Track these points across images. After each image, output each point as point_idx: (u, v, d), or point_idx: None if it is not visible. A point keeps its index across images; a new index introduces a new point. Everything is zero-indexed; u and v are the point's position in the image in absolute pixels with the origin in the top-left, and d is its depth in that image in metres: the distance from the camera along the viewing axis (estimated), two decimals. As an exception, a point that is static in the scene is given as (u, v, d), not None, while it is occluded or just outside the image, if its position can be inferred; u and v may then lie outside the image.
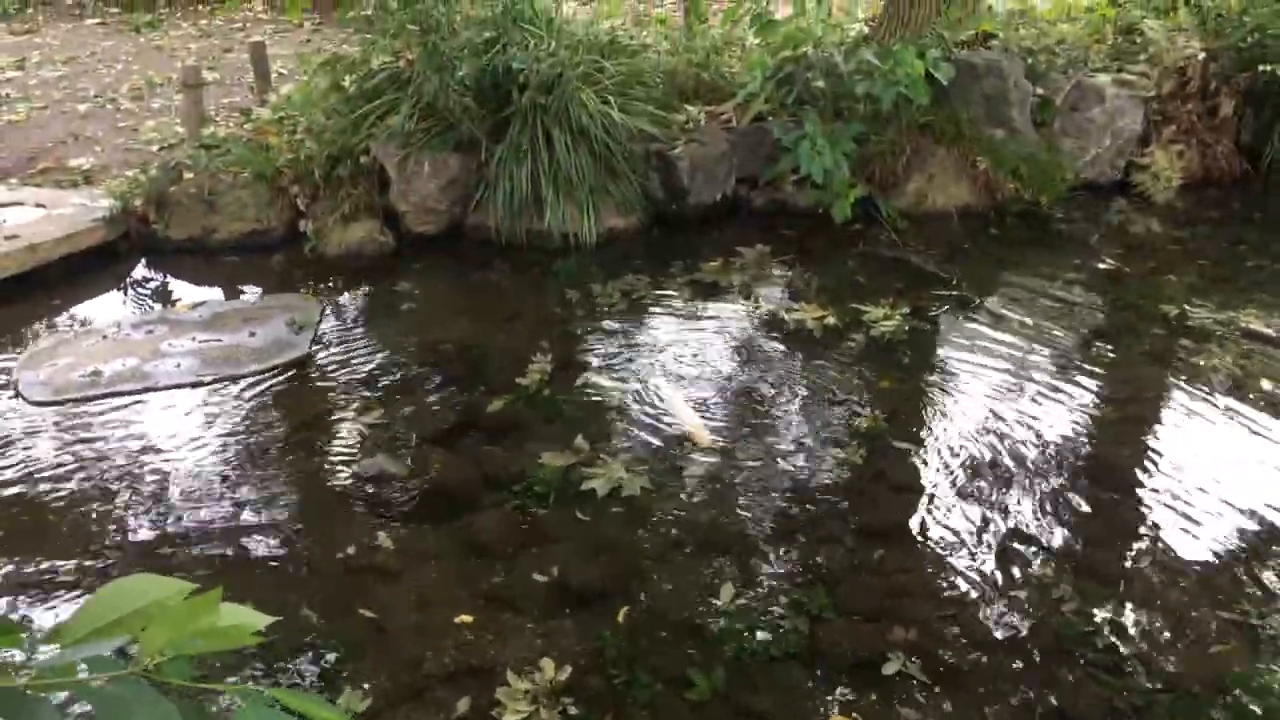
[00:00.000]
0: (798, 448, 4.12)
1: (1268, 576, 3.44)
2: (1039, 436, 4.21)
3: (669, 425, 4.24)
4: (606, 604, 3.28)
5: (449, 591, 3.36)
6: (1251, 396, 4.52)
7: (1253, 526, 3.68)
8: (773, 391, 4.54)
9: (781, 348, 4.92)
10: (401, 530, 3.64)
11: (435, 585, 3.38)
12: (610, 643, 3.12)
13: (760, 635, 3.15)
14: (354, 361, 4.80)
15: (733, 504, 3.77)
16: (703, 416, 4.30)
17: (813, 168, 5.93)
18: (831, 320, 5.15)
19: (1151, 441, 4.25)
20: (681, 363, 4.76)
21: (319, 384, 4.62)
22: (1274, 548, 3.58)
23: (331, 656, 3.10)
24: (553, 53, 5.95)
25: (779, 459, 4.03)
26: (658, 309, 5.34)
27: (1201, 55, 7.02)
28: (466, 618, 3.23)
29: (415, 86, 5.95)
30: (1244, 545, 3.59)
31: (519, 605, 3.27)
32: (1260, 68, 6.91)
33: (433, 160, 5.93)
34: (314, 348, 4.90)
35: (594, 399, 4.45)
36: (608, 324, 5.18)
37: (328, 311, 5.30)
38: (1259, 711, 2.89)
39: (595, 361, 4.81)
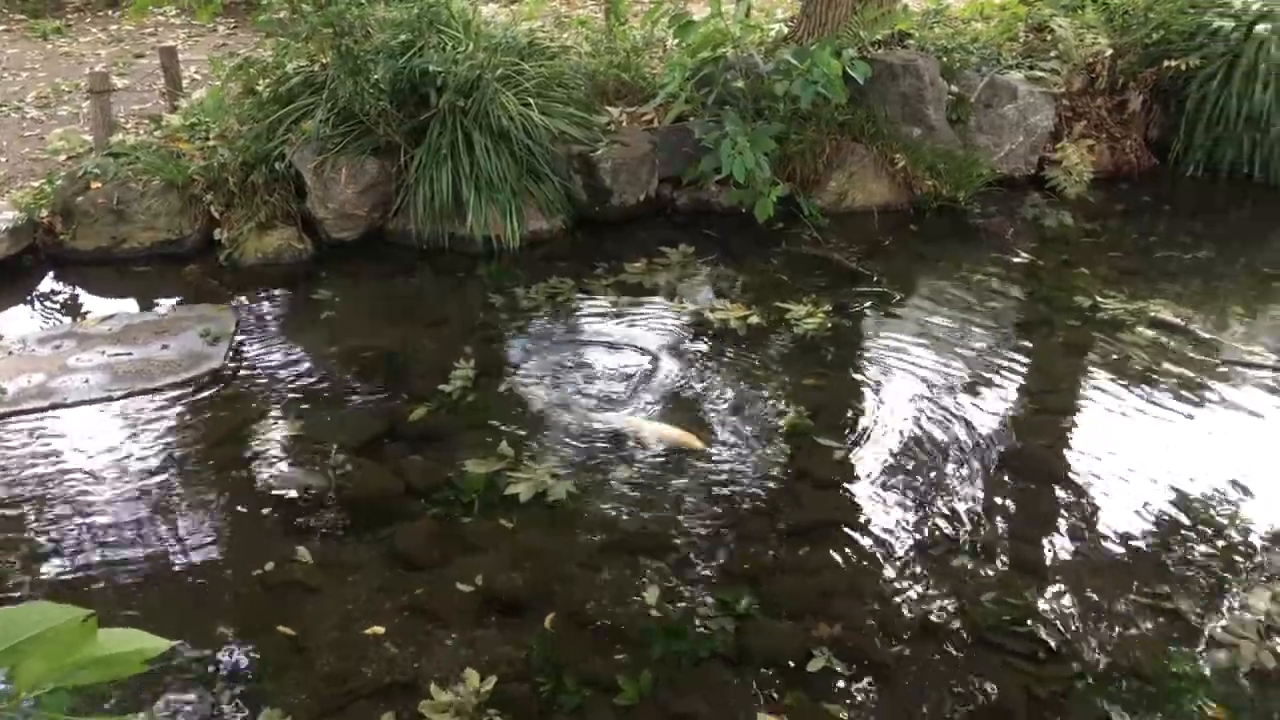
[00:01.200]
0: (723, 447, 4.13)
1: (1183, 560, 3.53)
2: (960, 430, 4.27)
3: (597, 429, 4.22)
4: (532, 611, 3.25)
5: (371, 604, 3.30)
6: (1163, 385, 4.64)
7: (1168, 511, 3.77)
8: (698, 392, 4.54)
9: (706, 348, 4.93)
10: (322, 543, 3.57)
11: (357, 598, 3.32)
12: (536, 650, 3.09)
13: (687, 637, 3.15)
14: (272, 372, 4.71)
15: (659, 506, 3.76)
16: (629, 416, 4.29)
17: (734, 167, 5.96)
18: (755, 319, 5.17)
19: (1069, 431, 4.34)
20: (606, 365, 4.74)
21: (235, 396, 4.52)
22: (1188, 532, 3.67)
23: (250, 676, 3.02)
24: (470, 55, 5.89)
25: (705, 459, 4.03)
26: (583, 311, 5.31)
27: (1109, 52, 7.19)
28: (389, 630, 3.17)
29: (330, 91, 5.85)
30: (1160, 530, 3.68)
31: (443, 616, 3.23)
32: (1165, 63, 7.09)
33: (350, 165, 5.83)
34: (230, 359, 4.78)
35: (518, 404, 4.41)
36: (532, 328, 5.15)
37: (244, 322, 5.18)
38: (1175, 691, 2.96)
39: (520, 366, 4.77)
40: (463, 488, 3.82)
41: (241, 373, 4.70)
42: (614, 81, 6.82)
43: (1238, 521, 3.72)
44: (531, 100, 5.98)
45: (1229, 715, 2.86)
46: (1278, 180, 6.92)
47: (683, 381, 4.63)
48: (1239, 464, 4.04)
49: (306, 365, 4.76)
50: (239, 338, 5.00)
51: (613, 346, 4.93)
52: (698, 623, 3.20)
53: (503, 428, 4.20)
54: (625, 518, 3.70)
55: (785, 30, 7.57)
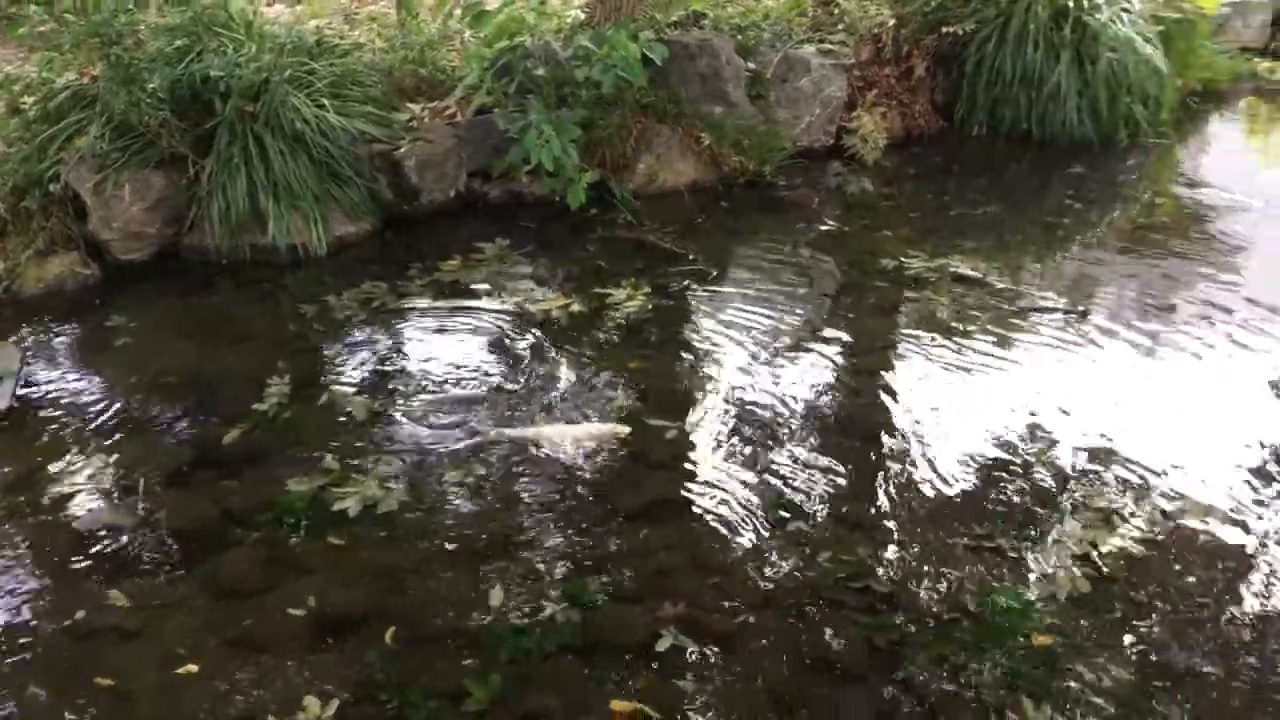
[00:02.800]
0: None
1: (1001, 499, 3.71)
2: (786, 397, 4.36)
3: (425, 434, 4.11)
4: (371, 628, 3.14)
5: (197, 641, 3.11)
6: (969, 335, 4.87)
7: (984, 454, 3.96)
8: (526, 385, 4.48)
9: (531, 340, 4.87)
10: (136, 584, 3.34)
11: (180, 637, 3.12)
12: (378, 668, 2.98)
13: (533, 633, 3.10)
14: (66, 408, 4.37)
15: (495, 505, 3.69)
16: (459, 418, 4.20)
17: (542, 156, 5.90)
18: (577, 307, 5.14)
19: (888, 388, 4.49)
20: (428, 367, 4.62)
21: (27, 437, 4.17)
22: (1003, 471, 3.86)
23: (66, 736, 2.80)
24: (255, 57, 5.62)
25: (538, 453, 3.98)
26: (400, 314, 5.16)
27: (892, 22, 7.49)
28: (218, 667, 3.00)
29: (103, 104, 5.48)
30: (978, 473, 3.86)
31: (275, 644, 3.07)
32: (944, 29, 7.43)
33: (134, 181, 5.48)
34: (17, 399, 4.42)
35: (340, 416, 4.25)
36: (348, 336, 4.96)
37: (30, 357, 4.79)
38: (1004, 627, 3.10)
39: (338, 376, 4.59)
40: (286, 508, 3.64)
41: (32, 412, 4.34)
42: (411, 77, 6.65)
43: (1047, 456, 3.94)
44: (326, 101, 5.76)
45: (1053, 641, 3.03)
46: (1053, 135, 7.35)
47: (509, 376, 4.56)
48: (1042, 402, 4.28)
49: (105, 397, 4.45)
50: (26, 375, 4.62)
51: (433, 347, 4.81)
52: (544, 618, 3.16)
53: (325, 442, 4.04)
54: (462, 521, 3.61)
55: (582, 16, 7.56)
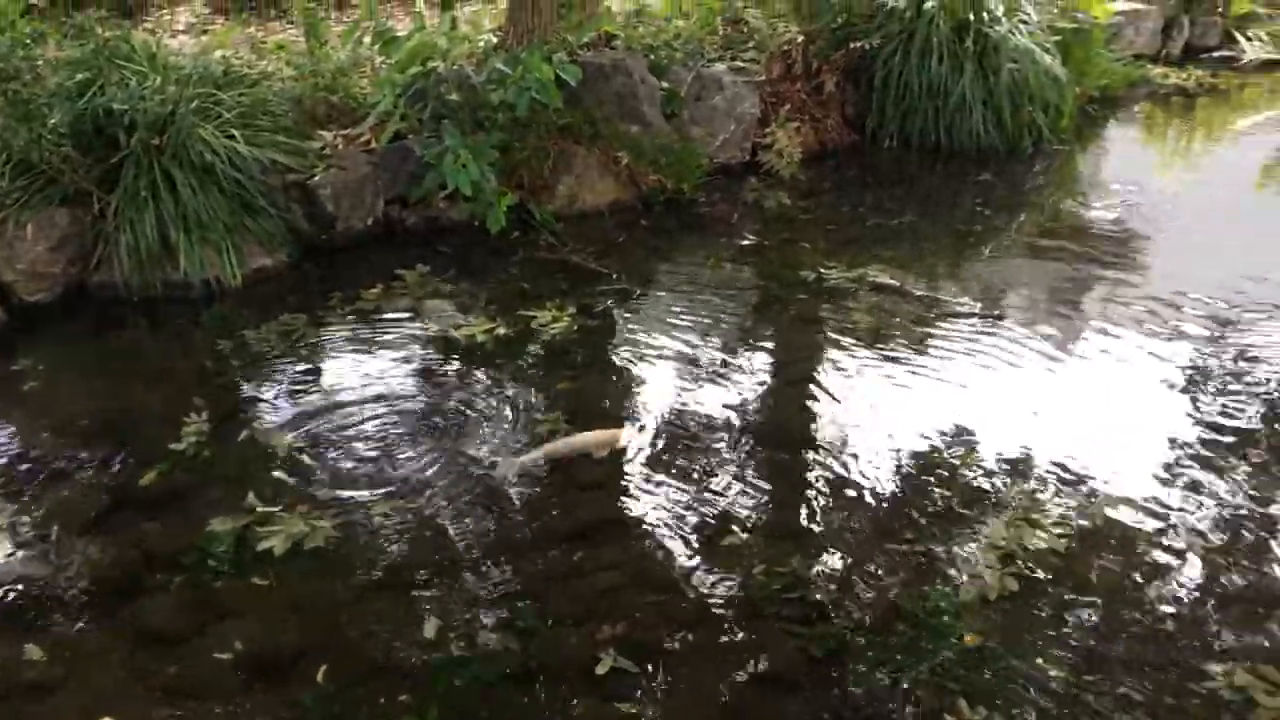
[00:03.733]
0: (488, 463, 4.05)
1: (928, 503, 3.77)
2: (714, 412, 4.38)
3: (350, 466, 4.04)
4: (301, 668, 3.06)
5: (121, 691, 3.01)
6: (889, 342, 4.95)
7: (909, 459, 4.02)
8: (454, 411, 4.44)
9: (457, 366, 4.82)
10: (55, 636, 3.22)
11: (104, 689, 3.02)
12: (311, 708, 2.91)
13: (471, 663, 3.06)
14: (-28, 457, 4.21)
15: (426, 534, 3.64)
16: (385, 448, 4.14)
17: (459, 181, 5.87)
18: (502, 331, 5.11)
19: (813, 398, 4.54)
20: (351, 397, 4.55)
21: (-70, 490, 4.01)
22: (928, 476, 3.93)
23: (-17, 801, 2.69)
24: (159, 89, 5.50)
25: (469, 478, 3.94)
26: (321, 345, 5.07)
27: (800, 39, 7.62)
28: (144, 716, 2.90)
29: (2, 142, 5.30)
30: (906, 480, 3.92)
31: (203, 690, 2.98)
32: (851, 44, 7.59)
33: (37, 220, 5.31)
34: (-82, 450, 4.24)
35: (262, 452, 4.15)
36: (268, 369, 4.86)
37: (-68, 406, 4.62)
38: (937, 629, 3.14)
39: (259, 411, 4.49)
40: (209, 549, 3.55)
41: (-66, 463, 4.18)
42: (323, 104, 6.56)
43: (969, 459, 4.01)
44: (236, 131, 5.66)
45: (985, 640, 3.08)
46: (961, 144, 7.54)
47: (434, 403, 4.51)
48: (963, 405, 4.37)
49: (13, 444, 4.29)
50: (-73, 424, 4.44)
51: (356, 377, 4.74)
52: (481, 647, 3.12)
53: (248, 479, 3.94)
54: (393, 553, 3.55)
55: (495, 40, 7.56)
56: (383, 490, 3.87)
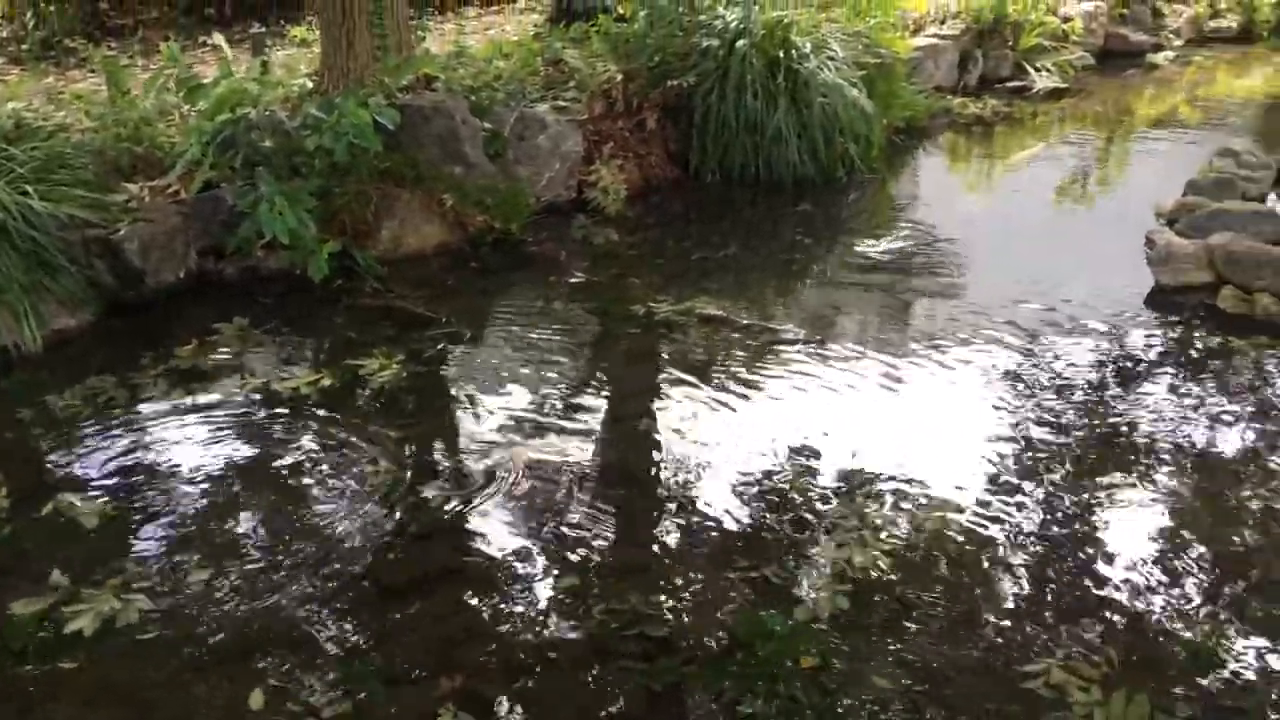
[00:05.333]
0: (318, 520, 3.90)
1: (764, 531, 3.84)
2: (551, 453, 4.36)
3: (164, 535, 3.83)
4: (118, 755, 2.87)
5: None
6: (720, 372, 5.04)
7: (745, 488, 4.10)
8: (279, 469, 4.27)
9: (282, 421, 4.65)
10: None
11: (-112, 802, 2.75)
12: (129, 798, 2.73)
13: (303, 733, 2.93)
14: None
15: (249, 601, 3.47)
16: (201, 512, 3.94)
17: (276, 229, 5.69)
18: (328, 381, 4.96)
19: (649, 433, 4.57)
20: (165, 460, 4.32)
21: None
22: (761, 502, 4.01)
23: None
24: (-58, 145, 5.16)
25: (298, 537, 3.79)
26: (132, 408, 4.80)
27: (620, 77, 7.73)
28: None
29: None
30: (741, 508, 3.98)
31: (6, 792, 2.76)
32: (669, 82, 7.76)
33: None
34: None
35: (68, 525, 3.89)
36: (74, 437, 4.56)
37: None
38: (773, 654, 3.19)
39: (65, 482, 4.21)
40: (11, 634, 3.29)
41: None
42: (127, 156, 6.25)
43: (803, 483, 4.11)
44: (29, 187, 5.34)
45: (820, 661, 3.14)
46: (780, 176, 7.78)
47: (259, 461, 4.33)
48: (795, 430, 4.48)
49: None
50: None
51: (171, 439, 4.51)
52: (314, 711, 2.99)
53: (53, 555, 3.68)
54: (213, 624, 3.37)
55: (310, 84, 7.40)
56: (202, 557, 3.68)
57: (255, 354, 5.33)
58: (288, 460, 4.33)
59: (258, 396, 4.88)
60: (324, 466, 4.29)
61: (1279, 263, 5.51)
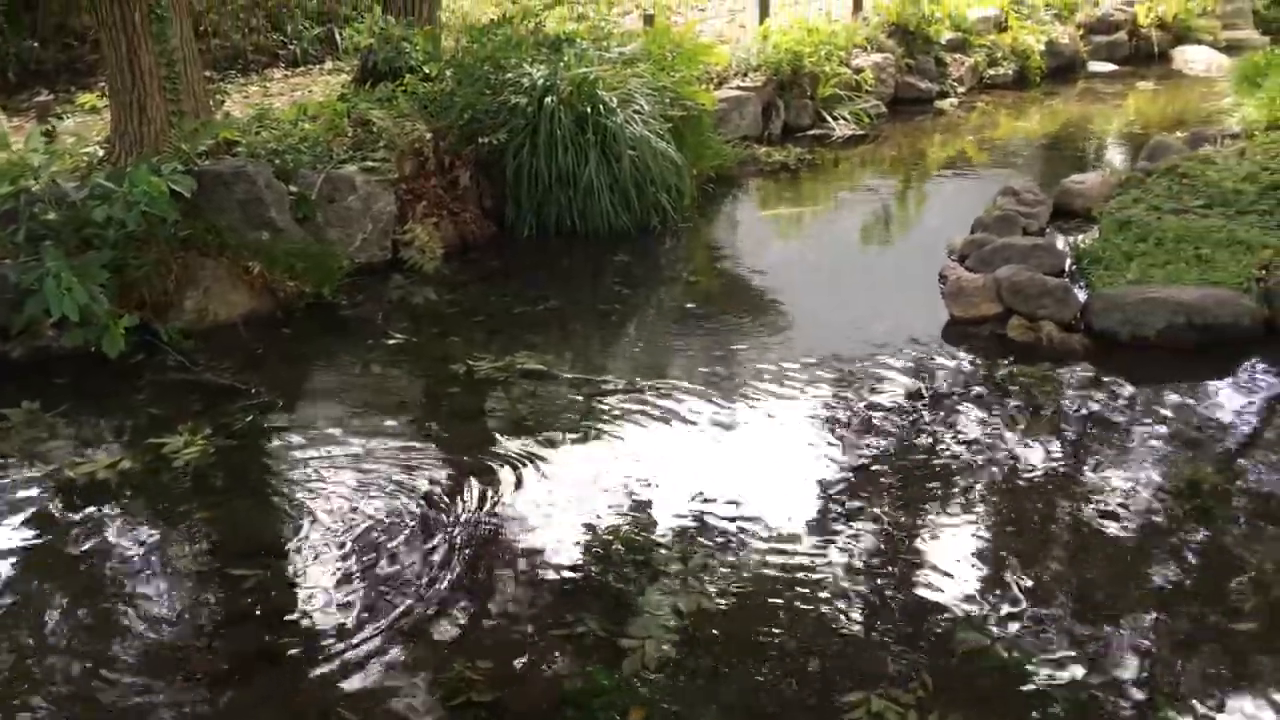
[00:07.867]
0: (128, 606, 3.67)
1: (590, 584, 3.84)
2: (371, 523, 4.25)
3: None
4: None
5: None
6: (546, 429, 5.01)
7: (572, 543, 4.09)
8: (73, 561, 4.00)
9: (80, 510, 4.37)
10: None
11: None
12: None
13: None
14: None
15: (54, 701, 3.23)
16: (4, 616, 3.66)
17: (65, 306, 5.37)
18: (128, 464, 4.70)
19: (477, 495, 4.48)
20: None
21: None
22: (589, 557, 4.00)
23: None
24: None
25: (99, 637, 3.55)
26: (-95, 508, 4.43)
27: (429, 136, 7.70)
28: None
29: None
30: (567, 564, 3.97)
31: None
32: (480, 140, 7.77)
33: None
34: None
35: None
36: None
37: None
38: (601, 707, 3.17)
39: None
40: None
41: None
42: (-107, 235, 5.82)
43: (626, 533, 4.13)
44: None
45: (647, 712, 3.14)
46: (595, 228, 7.87)
47: (51, 557, 4.05)
48: (620, 480, 4.51)
49: None
50: None
51: (-48, 539, 4.17)
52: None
53: None
54: (2, 735, 3.13)
55: (101, 153, 7.07)
56: (-12, 665, 3.41)
57: (47, 438, 5.01)
58: (81, 553, 4.07)
59: (48, 486, 4.57)
60: (125, 556, 4.05)
61: (1057, 292, 5.92)
